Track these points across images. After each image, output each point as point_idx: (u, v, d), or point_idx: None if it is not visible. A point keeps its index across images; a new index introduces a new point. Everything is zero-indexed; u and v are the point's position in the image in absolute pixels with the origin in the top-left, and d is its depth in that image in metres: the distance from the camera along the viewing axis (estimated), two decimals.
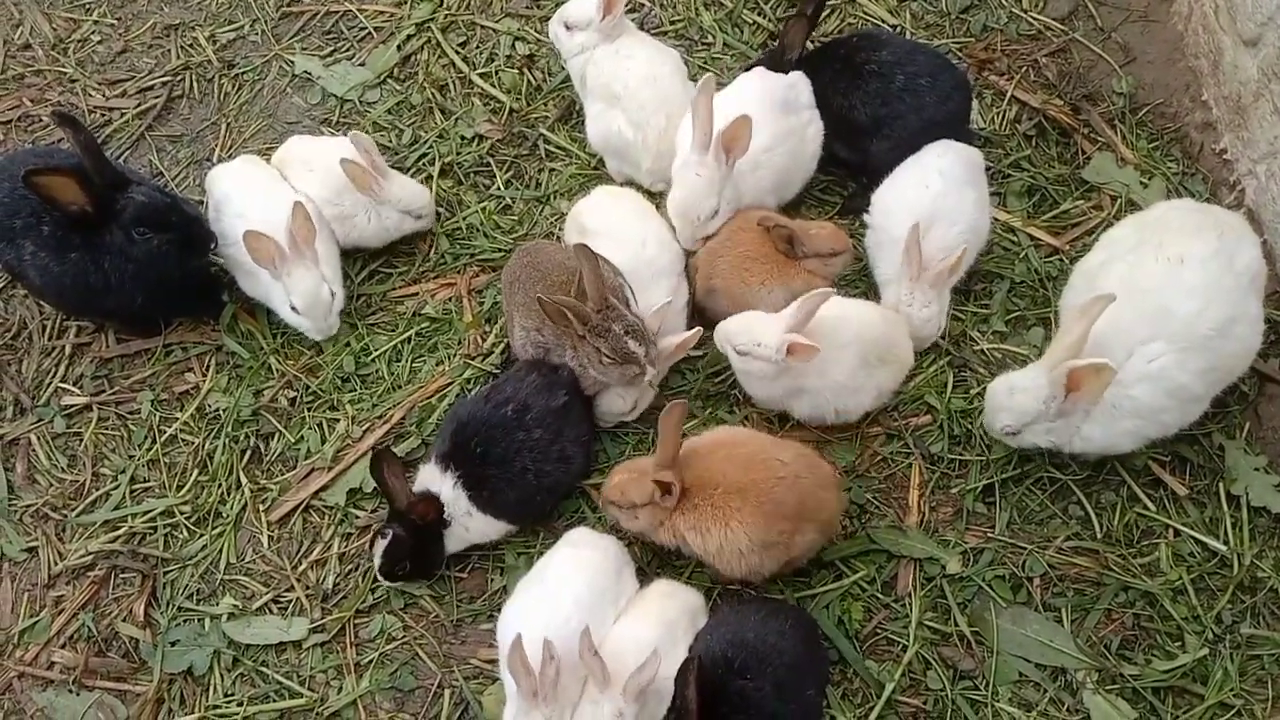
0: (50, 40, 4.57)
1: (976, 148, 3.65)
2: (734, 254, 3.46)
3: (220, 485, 3.48)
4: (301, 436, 3.54)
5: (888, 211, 3.50)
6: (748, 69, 3.95)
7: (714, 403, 3.51)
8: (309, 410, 3.60)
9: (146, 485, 3.52)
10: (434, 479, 3.16)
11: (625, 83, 3.74)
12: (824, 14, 4.28)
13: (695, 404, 3.49)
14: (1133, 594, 3.12)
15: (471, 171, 4.07)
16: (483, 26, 4.43)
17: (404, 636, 3.20)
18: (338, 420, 3.56)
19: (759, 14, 4.34)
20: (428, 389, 3.59)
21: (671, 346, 3.28)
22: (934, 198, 3.40)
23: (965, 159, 3.52)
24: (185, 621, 3.27)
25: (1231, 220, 3.12)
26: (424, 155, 4.10)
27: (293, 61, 4.40)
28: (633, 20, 4.19)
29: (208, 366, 3.72)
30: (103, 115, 4.34)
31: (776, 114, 3.58)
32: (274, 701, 3.14)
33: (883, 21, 4.29)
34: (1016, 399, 3.03)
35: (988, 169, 3.77)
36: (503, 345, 3.62)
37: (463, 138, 4.14)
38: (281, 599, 3.30)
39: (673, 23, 4.37)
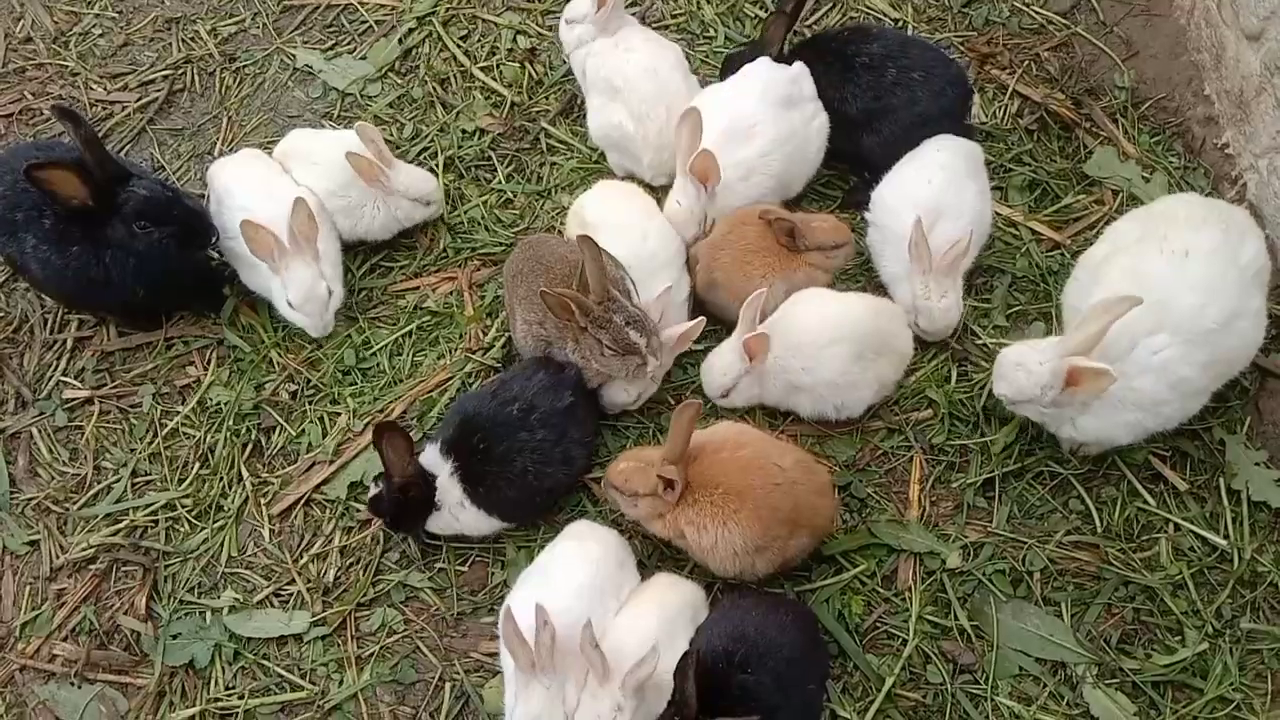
0: (51, 34, 4.57)
1: (975, 142, 3.65)
2: (735, 248, 3.46)
3: (221, 479, 3.49)
4: (303, 430, 3.55)
5: (891, 209, 3.50)
6: (722, 68, 3.96)
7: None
8: (310, 404, 3.60)
9: (148, 479, 3.53)
10: (435, 462, 3.18)
11: (625, 75, 3.74)
12: (826, 7, 4.29)
13: (697, 397, 3.49)
14: (1133, 588, 3.12)
15: (473, 165, 4.07)
16: (484, 20, 4.43)
17: (405, 630, 3.21)
18: (339, 414, 3.56)
19: (760, 7, 4.33)
20: (429, 383, 3.59)
21: (673, 338, 3.28)
22: (937, 192, 3.41)
23: (965, 153, 3.52)
24: (186, 615, 3.28)
25: (1236, 215, 3.12)
26: (425, 149, 4.10)
27: (294, 55, 4.40)
28: (634, 14, 4.20)
29: (209, 360, 3.73)
30: (104, 109, 4.34)
31: (777, 113, 3.57)
32: (275, 694, 3.14)
33: (884, 15, 4.28)
34: (1018, 375, 3.03)
35: (989, 163, 3.77)
36: (504, 339, 3.62)
37: (464, 132, 4.13)
38: (283, 592, 3.30)
39: (674, 16, 4.37)
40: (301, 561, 3.34)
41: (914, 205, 3.39)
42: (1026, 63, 4.11)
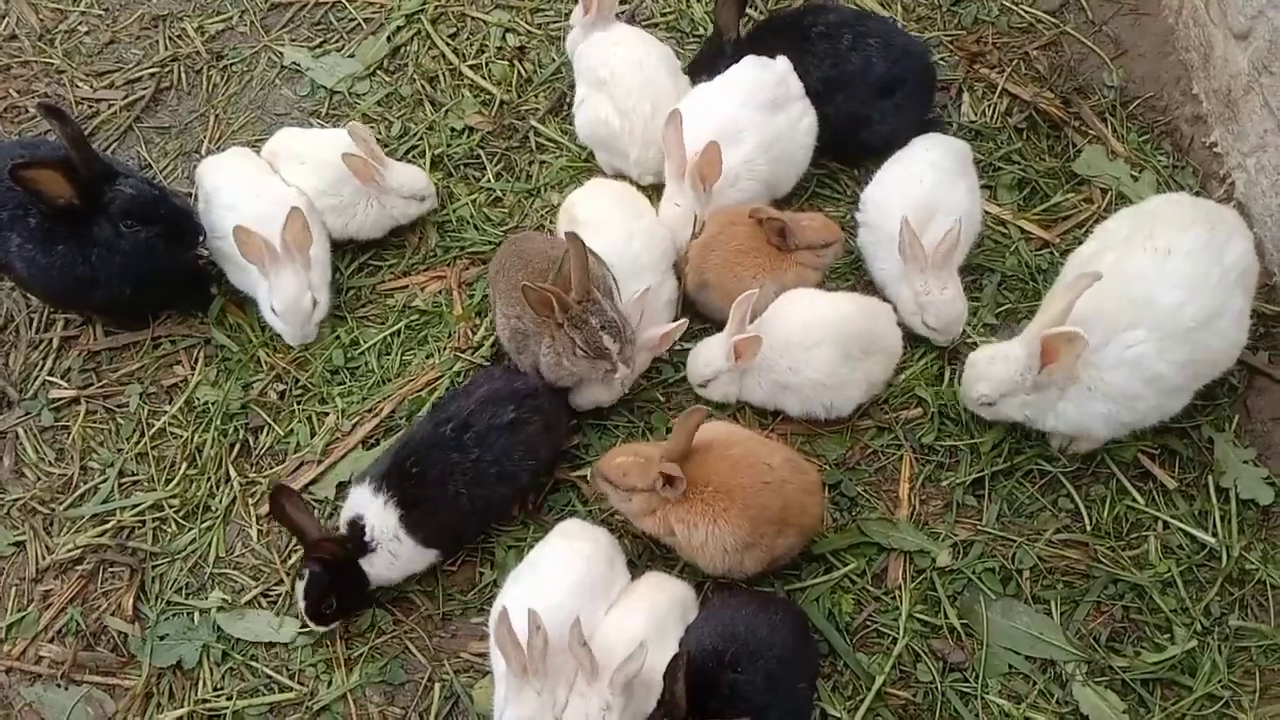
0: (37, 31, 4.54)
1: (962, 139, 3.67)
2: (726, 249, 3.46)
3: (209, 479, 3.47)
4: (291, 430, 3.53)
5: (883, 209, 3.49)
6: (693, 68, 3.96)
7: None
8: (298, 403, 3.59)
9: (135, 479, 3.51)
10: (363, 501, 3.06)
11: (612, 68, 3.75)
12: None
13: (687, 397, 3.49)
14: (1122, 586, 3.13)
15: (462, 164, 4.06)
16: (473, 18, 4.42)
17: (394, 630, 3.19)
18: (327, 413, 3.55)
19: (749, 5, 4.31)
20: (418, 382, 3.58)
21: (655, 338, 3.27)
22: (928, 191, 3.41)
23: (954, 151, 3.54)
24: (174, 615, 3.26)
25: (1225, 215, 3.12)
26: (414, 147, 4.09)
27: (282, 53, 4.38)
28: (624, 10, 4.21)
29: (196, 359, 3.71)
30: (90, 107, 4.32)
31: (763, 117, 3.56)
32: (263, 695, 3.13)
33: (874, 13, 4.27)
34: (995, 367, 3.06)
35: (979, 162, 3.78)
36: (493, 338, 3.61)
37: (453, 130, 4.12)
38: (271, 593, 3.29)
39: (664, 14, 4.36)
40: (290, 562, 3.32)
41: (906, 204, 3.39)
42: (1016, 61, 4.12)
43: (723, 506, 2.91)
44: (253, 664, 3.17)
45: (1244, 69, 3.54)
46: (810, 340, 3.23)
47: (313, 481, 3.43)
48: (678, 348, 3.50)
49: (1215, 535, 3.17)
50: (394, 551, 3.06)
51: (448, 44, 4.35)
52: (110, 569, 3.37)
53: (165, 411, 3.60)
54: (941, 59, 4.14)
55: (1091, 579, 3.14)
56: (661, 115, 3.68)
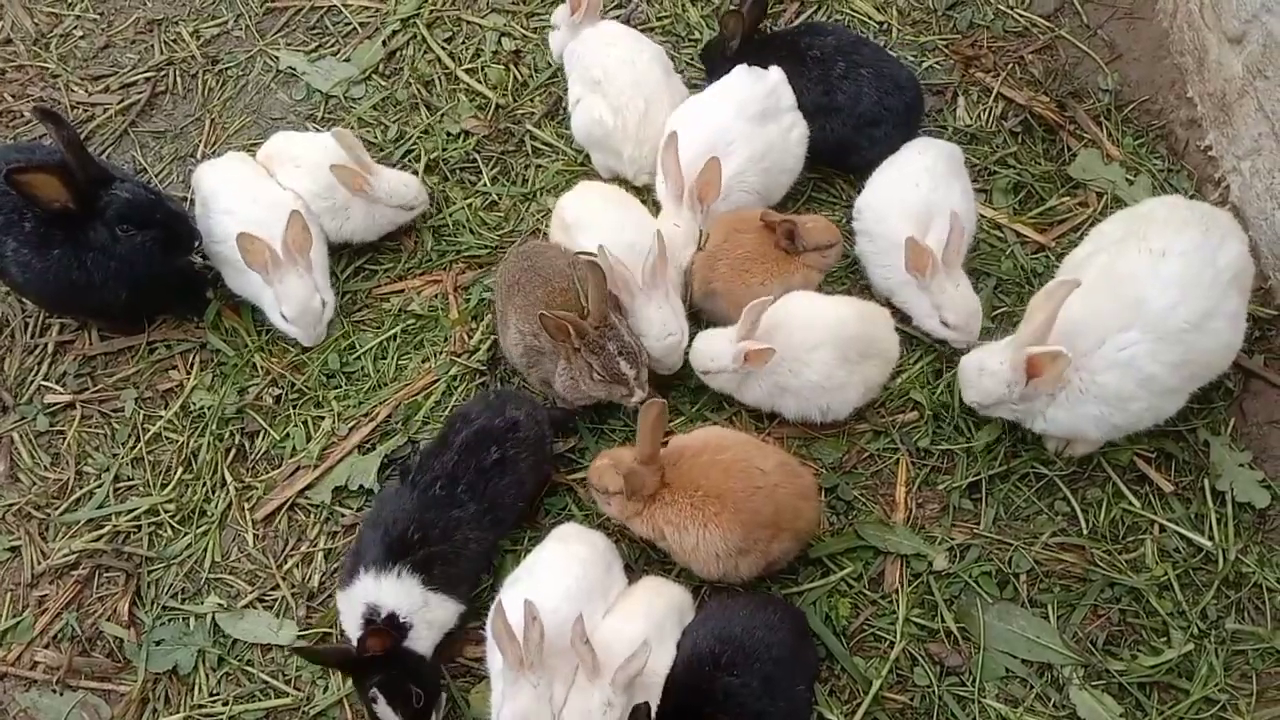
0: (32, 35, 4.53)
1: (957, 143, 3.69)
2: (732, 256, 3.45)
3: (205, 483, 3.47)
4: (287, 434, 3.53)
5: (881, 216, 3.49)
6: (702, 55, 4.01)
7: (701, 400, 3.49)
8: (294, 408, 3.58)
9: (130, 484, 3.50)
10: (373, 591, 2.92)
11: (605, 67, 3.76)
12: (811, 9, 4.30)
13: (683, 401, 3.49)
14: (1118, 589, 3.13)
15: (457, 168, 4.06)
16: (468, 22, 4.42)
17: None
18: (323, 418, 3.54)
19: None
20: (414, 386, 3.57)
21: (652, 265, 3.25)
22: (925, 195, 3.41)
23: (946, 154, 3.55)
24: (170, 620, 3.26)
25: (1220, 217, 3.12)
26: (409, 151, 4.09)
27: (277, 57, 4.38)
28: (619, 15, 4.21)
29: (192, 364, 3.70)
30: (85, 111, 4.31)
31: (753, 129, 3.56)
32: (259, 700, 3.12)
33: (869, 18, 4.29)
34: (984, 380, 3.08)
35: (975, 166, 3.79)
36: (490, 342, 3.61)
37: (448, 134, 4.12)
38: (267, 597, 3.28)
39: (659, 18, 4.37)
40: (286, 566, 3.32)
41: (903, 211, 3.40)
42: (1011, 66, 4.13)
43: (713, 511, 2.91)
44: (249, 669, 3.17)
45: (1238, 73, 3.55)
46: (811, 342, 3.22)
47: (308, 486, 3.42)
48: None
49: (1211, 538, 3.18)
50: (429, 620, 2.96)
51: (443, 48, 4.35)
52: (106, 574, 3.36)
53: (161, 416, 3.60)
54: (936, 63, 4.15)
55: (1088, 582, 3.14)
56: (654, 112, 3.71)
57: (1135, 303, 2.94)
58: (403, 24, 4.42)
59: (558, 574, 2.93)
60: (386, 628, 2.84)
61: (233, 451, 3.52)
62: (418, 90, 4.24)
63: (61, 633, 3.28)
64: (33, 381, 3.71)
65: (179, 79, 4.38)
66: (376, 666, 2.80)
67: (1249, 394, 3.41)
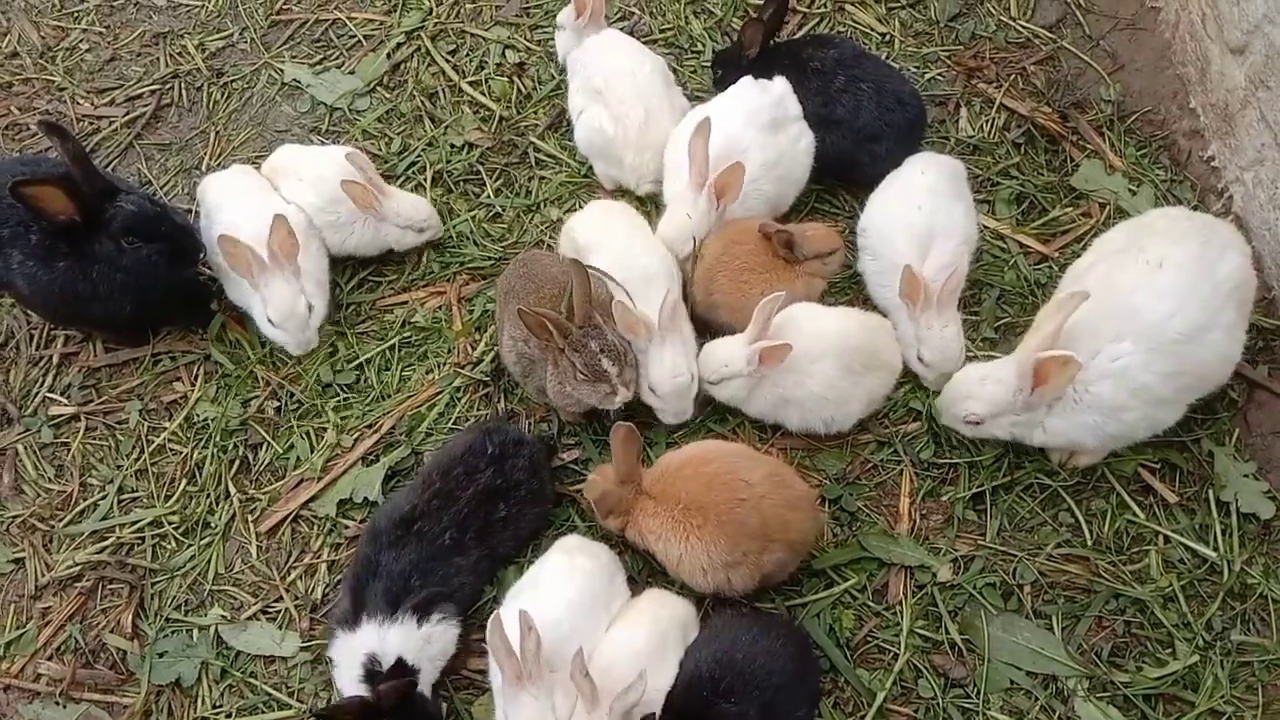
0: (38, 48, 4.56)
1: (959, 154, 3.68)
2: (732, 267, 3.45)
3: (208, 495, 3.47)
4: (291, 446, 3.53)
5: (884, 237, 3.48)
6: (713, 64, 4.01)
7: (705, 412, 3.48)
8: (297, 420, 3.58)
9: (134, 495, 3.50)
10: (377, 641, 2.90)
11: (606, 77, 3.78)
12: (814, 21, 4.31)
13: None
14: (1123, 601, 3.12)
15: (461, 180, 4.07)
16: (472, 35, 4.44)
17: None
18: (326, 430, 3.54)
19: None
20: (417, 398, 3.58)
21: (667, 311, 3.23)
22: (928, 217, 3.40)
23: (948, 173, 3.53)
24: (173, 632, 3.25)
25: (1221, 229, 3.11)
26: (414, 163, 4.10)
27: (282, 70, 4.39)
28: (622, 28, 4.22)
29: (196, 376, 3.71)
30: (91, 124, 4.33)
31: (764, 138, 3.56)
32: (262, 713, 3.12)
33: (871, 29, 4.30)
34: (988, 388, 3.07)
35: (978, 177, 3.79)
36: (493, 354, 3.61)
37: (452, 146, 4.13)
38: (270, 609, 3.28)
39: (662, 31, 4.38)
40: (289, 578, 3.32)
41: (905, 232, 3.40)
42: (1013, 76, 4.13)
43: (696, 524, 2.91)
44: (252, 681, 3.16)
45: (1241, 83, 3.55)
46: (815, 353, 3.22)
47: (312, 498, 3.42)
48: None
49: (1216, 550, 3.17)
50: (433, 656, 2.98)
51: (448, 60, 4.36)
52: (109, 586, 3.36)
53: (165, 428, 3.60)
54: (939, 74, 4.16)
55: (1093, 594, 3.13)
56: (655, 121, 3.72)
57: (1131, 313, 2.94)
58: (407, 37, 4.44)
59: (561, 585, 2.93)
60: (403, 674, 2.85)
61: (236, 463, 3.52)
62: (422, 103, 4.25)
63: (65, 645, 3.28)
64: (38, 393, 3.72)
65: (184, 92, 4.40)
66: (390, 713, 2.78)
67: (1253, 405, 3.40)
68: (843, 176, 3.83)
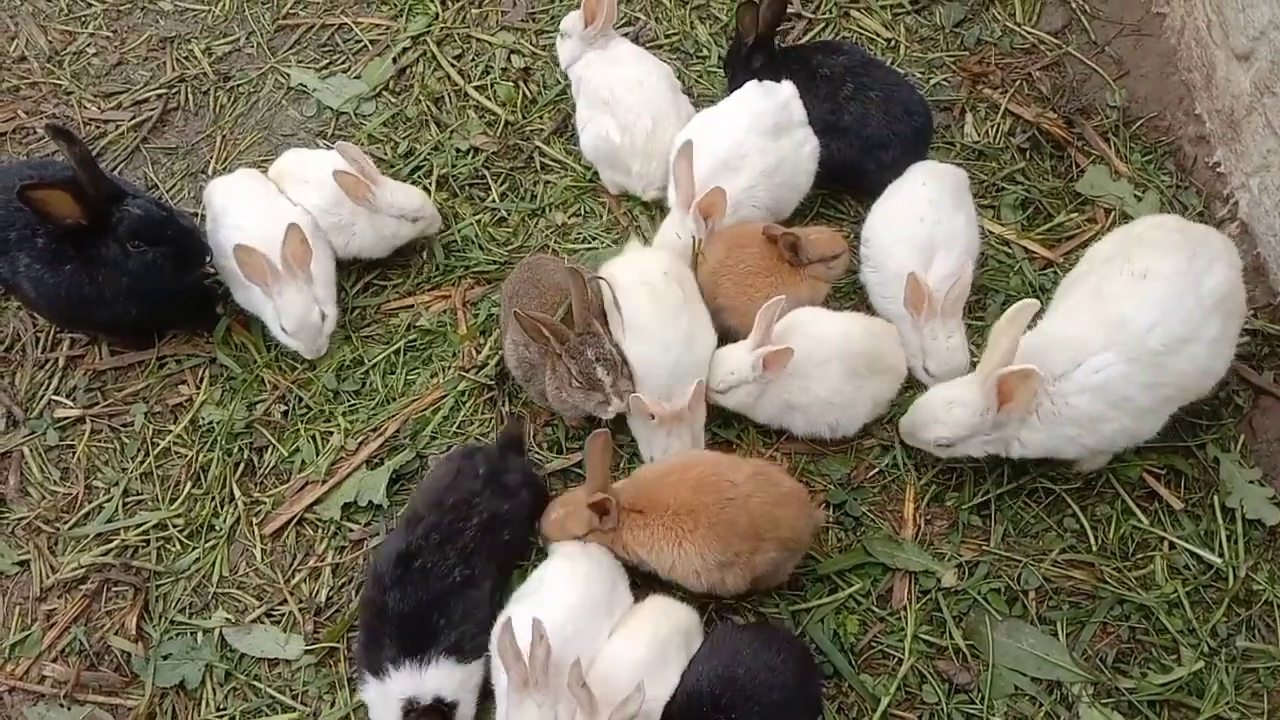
0: (45, 52, 4.57)
1: (964, 159, 3.67)
2: (736, 272, 3.45)
3: (213, 498, 3.47)
4: (296, 449, 3.53)
5: (886, 249, 3.48)
6: (726, 64, 4.03)
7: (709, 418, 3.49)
8: (303, 423, 3.59)
9: (139, 498, 3.51)
10: (416, 686, 2.86)
11: (613, 88, 3.78)
12: (819, 27, 4.31)
13: None
14: (1128, 607, 3.11)
15: (467, 184, 4.08)
16: (478, 39, 4.45)
17: None
18: (331, 433, 3.55)
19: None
20: (422, 401, 3.58)
21: (684, 407, 3.20)
22: (930, 228, 3.39)
23: (950, 183, 3.51)
24: (178, 635, 3.26)
25: (1212, 241, 3.04)
26: (419, 168, 4.11)
27: (288, 74, 4.41)
28: (627, 33, 4.23)
29: (201, 379, 3.71)
30: (98, 127, 4.35)
31: (766, 143, 3.56)
32: (266, 716, 3.12)
33: (877, 35, 4.30)
34: (955, 412, 3.04)
35: (982, 182, 3.79)
36: (498, 357, 3.61)
37: (458, 150, 4.14)
38: (275, 612, 3.28)
39: (668, 36, 4.39)
40: (294, 581, 3.32)
41: (907, 244, 3.39)
42: (1018, 82, 4.14)
43: (688, 528, 2.91)
44: (256, 684, 3.17)
45: (1246, 89, 3.55)
46: (820, 358, 3.22)
47: (317, 501, 3.43)
48: None
49: (1221, 556, 3.16)
50: (470, 687, 2.95)
51: (453, 65, 4.37)
52: (114, 588, 3.37)
53: (170, 431, 3.61)
54: (944, 80, 4.16)
55: (1098, 599, 3.13)
56: (662, 129, 3.72)
57: (1113, 323, 2.92)
58: (413, 41, 4.45)
59: (563, 590, 2.93)
60: (442, 711, 2.85)
61: (241, 466, 3.53)
62: (427, 107, 4.26)
63: (69, 647, 3.29)
64: (43, 396, 3.73)
65: (191, 96, 4.41)
66: None
67: (1259, 410, 3.40)
68: (849, 184, 3.83)
